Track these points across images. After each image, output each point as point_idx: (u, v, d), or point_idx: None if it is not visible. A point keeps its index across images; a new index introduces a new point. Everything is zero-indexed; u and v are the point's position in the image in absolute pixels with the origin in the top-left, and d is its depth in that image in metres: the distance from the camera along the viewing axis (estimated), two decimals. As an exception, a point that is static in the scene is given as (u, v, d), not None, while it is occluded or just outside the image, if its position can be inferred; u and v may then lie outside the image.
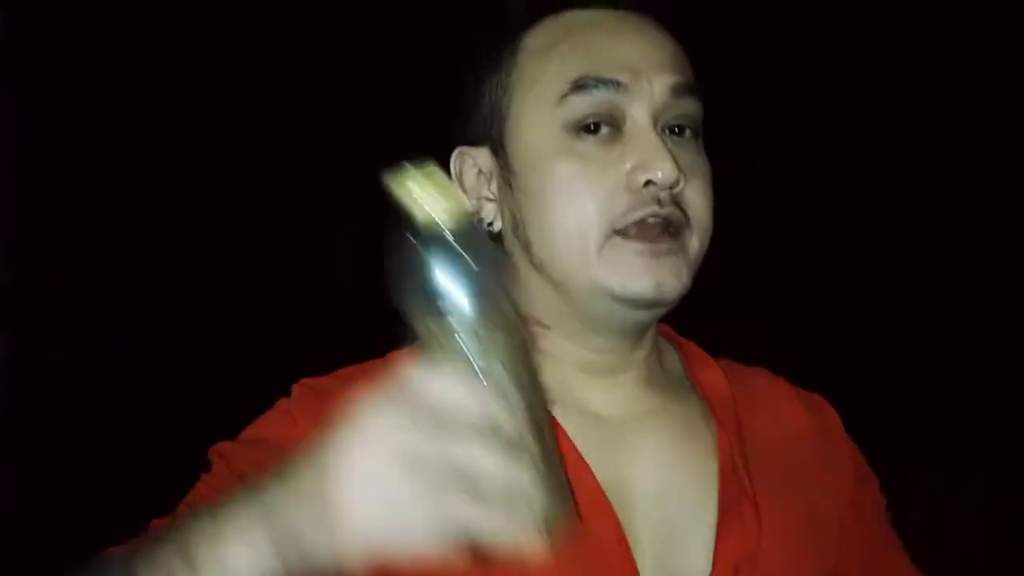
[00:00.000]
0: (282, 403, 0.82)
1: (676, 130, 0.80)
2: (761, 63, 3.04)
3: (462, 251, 0.57)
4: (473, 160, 0.84)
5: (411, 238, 0.57)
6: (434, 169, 0.58)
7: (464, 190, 0.83)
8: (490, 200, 0.83)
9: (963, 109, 3.30)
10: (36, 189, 2.66)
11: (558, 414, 0.74)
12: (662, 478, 0.79)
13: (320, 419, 0.65)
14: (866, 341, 3.39)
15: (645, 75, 0.78)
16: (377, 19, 2.70)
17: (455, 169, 0.84)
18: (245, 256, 2.80)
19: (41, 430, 2.62)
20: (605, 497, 0.75)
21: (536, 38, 0.81)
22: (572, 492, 0.59)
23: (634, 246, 0.75)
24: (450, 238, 0.56)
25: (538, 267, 0.79)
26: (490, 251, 0.60)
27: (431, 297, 0.57)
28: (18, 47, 2.63)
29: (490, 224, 0.83)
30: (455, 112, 0.86)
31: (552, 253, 0.77)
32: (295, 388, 0.83)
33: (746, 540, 0.77)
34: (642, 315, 0.79)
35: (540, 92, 0.78)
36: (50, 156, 2.66)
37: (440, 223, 0.56)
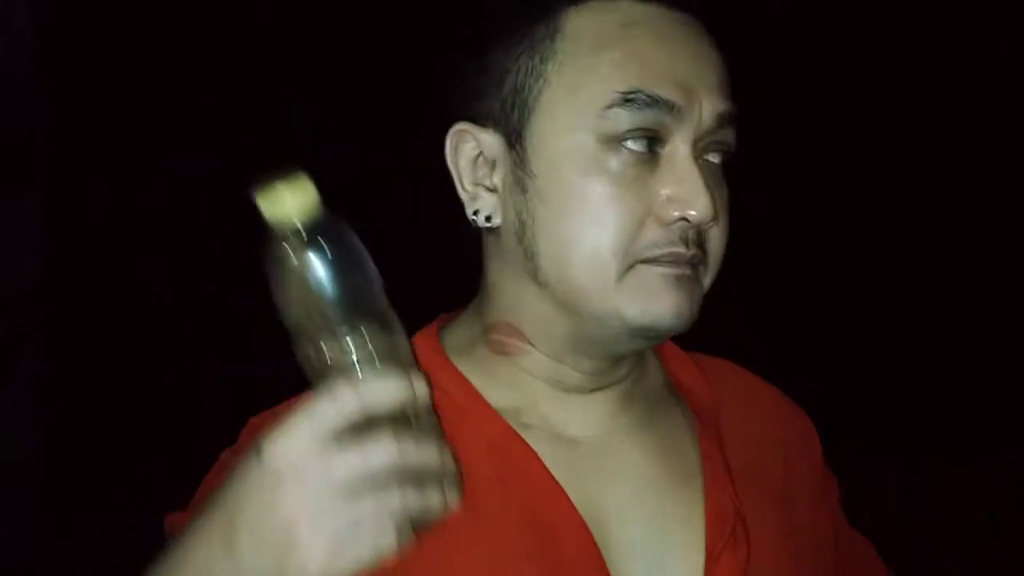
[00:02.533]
0: (227, 457, 0.75)
1: (710, 155, 0.73)
2: (753, 63, 3.07)
3: (317, 243, 0.57)
4: (477, 142, 0.73)
5: (271, 243, 0.58)
6: (297, 176, 0.58)
7: (457, 172, 0.74)
8: (490, 191, 0.74)
9: (961, 110, 3.33)
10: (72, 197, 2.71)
11: (530, 438, 0.73)
12: (643, 501, 0.74)
13: None
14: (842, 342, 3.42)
15: (698, 98, 0.69)
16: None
17: (451, 146, 0.74)
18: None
19: (74, 421, 2.67)
20: (583, 522, 0.71)
21: (583, 23, 0.70)
22: (455, 455, 0.61)
23: (656, 270, 0.70)
24: (302, 232, 0.57)
25: (540, 281, 0.72)
26: (348, 239, 0.59)
27: (299, 298, 0.58)
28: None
29: (488, 218, 0.74)
30: (456, 80, 0.75)
31: (565, 273, 0.70)
32: (243, 435, 0.77)
33: (736, 563, 0.73)
34: (645, 343, 0.75)
35: (582, 97, 0.69)
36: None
37: (290, 219, 0.57)
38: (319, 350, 0.59)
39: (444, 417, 0.70)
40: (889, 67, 3.34)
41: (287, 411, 0.74)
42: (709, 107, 0.70)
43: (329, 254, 0.58)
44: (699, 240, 0.71)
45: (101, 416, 2.69)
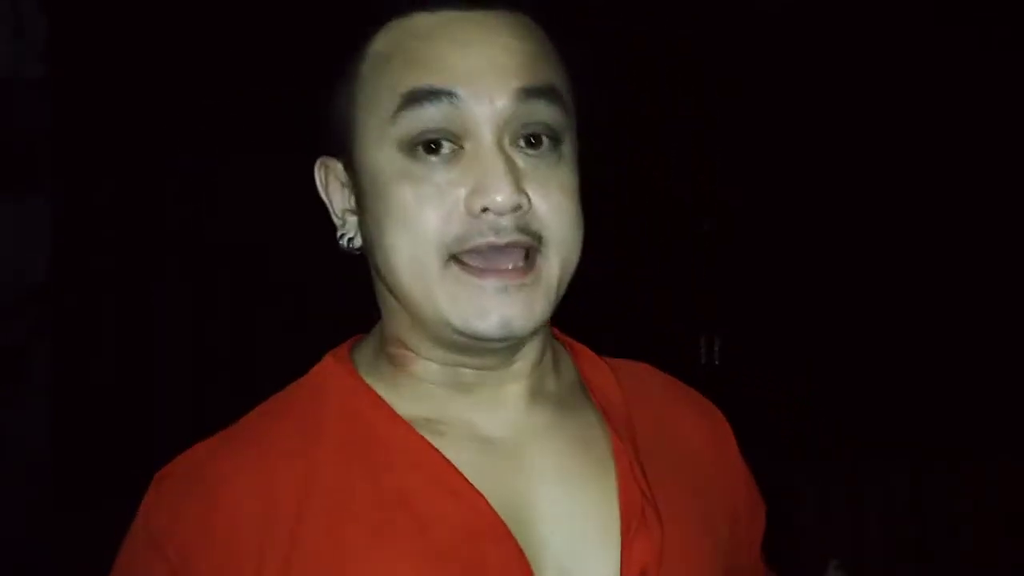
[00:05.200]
0: (139, 527, 0.74)
1: (532, 140, 0.72)
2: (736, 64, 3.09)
3: None
4: (335, 172, 0.78)
5: None
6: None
7: (328, 201, 0.80)
8: (353, 213, 0.78)
9: (959, 108, 3.33)
10: (80, 200, 2.75)
11: (445, 445, 0.73)
12: (561, 498, 0.76)
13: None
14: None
15: (485, 83, 0.70)
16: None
17: (320, 180, 0.79)
18: (280, 259, 2.88)
19: (87, 419, 2.70)
20: (502, 523, 0.71)
21: (380, 43, 0.74)
22: None
23: (476, 282, 0.70)
24: None
25: (390, 291, 0.76)
26: None
27: None
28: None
29: (351, 240, 0.78)
30: (316, 119, 0.80)
31: (396, 280, 0.73)
32: (150, 493, 0.75)
33: (650, 545, 0.75)
34: (502, 346, 0.74)
35: (377, 109, 0.72)
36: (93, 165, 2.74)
37: None
38: None
39: (356, 436, 0.73)
40: (885, 65, 3.35)
41: (190, 461, 0.75)
42: (501, 88, 0.71)
43: None
44: (524, 227, 0.71)
45: (111, 415, 2.72)
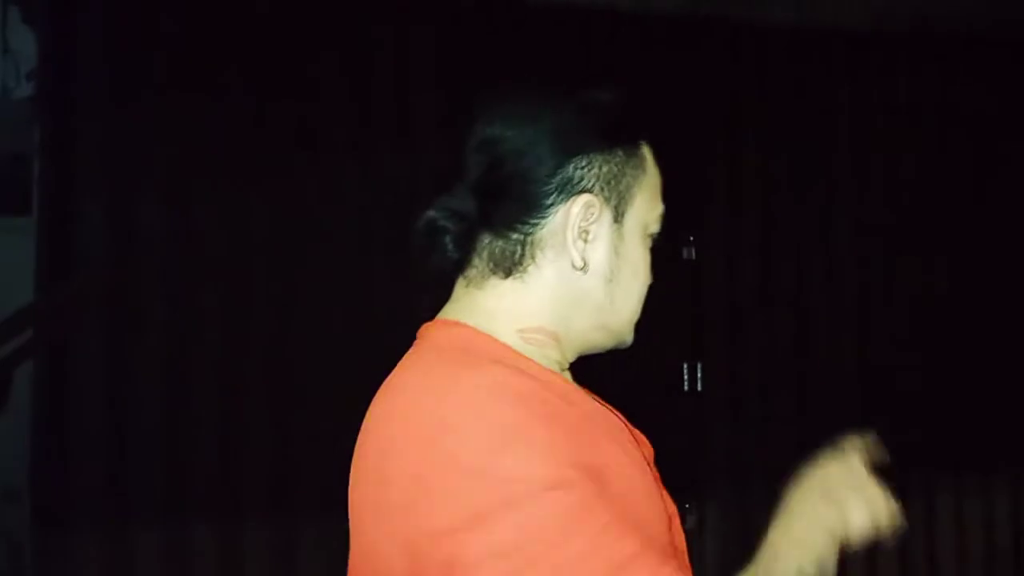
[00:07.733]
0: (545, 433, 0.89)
1: None
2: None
3: None
4: (594, 210, 0.98)
5: None
6: None
7: (574, 231, 0.98)
8: (584, 243, 1.00)
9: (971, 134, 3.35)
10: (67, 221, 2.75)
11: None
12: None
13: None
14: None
15: None
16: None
17: (580, 211, 0.98)
18: (266, 279, 2.87)
19: (65, 445, 2.69)
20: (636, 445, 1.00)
21: (647, 154, 1.04)
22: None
23: None
24: None
25: (603, 312, 1.01)
26: None
27: None
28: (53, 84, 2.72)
29: (583, 262, 0.99)
30: (590, 159, 0.98)
31: (623, 312, 1.02)
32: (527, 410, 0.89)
33: (672, 501, 1.03)
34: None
35: (648, 203, 1.03)
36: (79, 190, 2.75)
37: None
38: None
39: (549, 381, 0.96)
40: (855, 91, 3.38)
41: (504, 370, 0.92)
42: None
43: None
44: None
45: (93, 438, 2.70)
